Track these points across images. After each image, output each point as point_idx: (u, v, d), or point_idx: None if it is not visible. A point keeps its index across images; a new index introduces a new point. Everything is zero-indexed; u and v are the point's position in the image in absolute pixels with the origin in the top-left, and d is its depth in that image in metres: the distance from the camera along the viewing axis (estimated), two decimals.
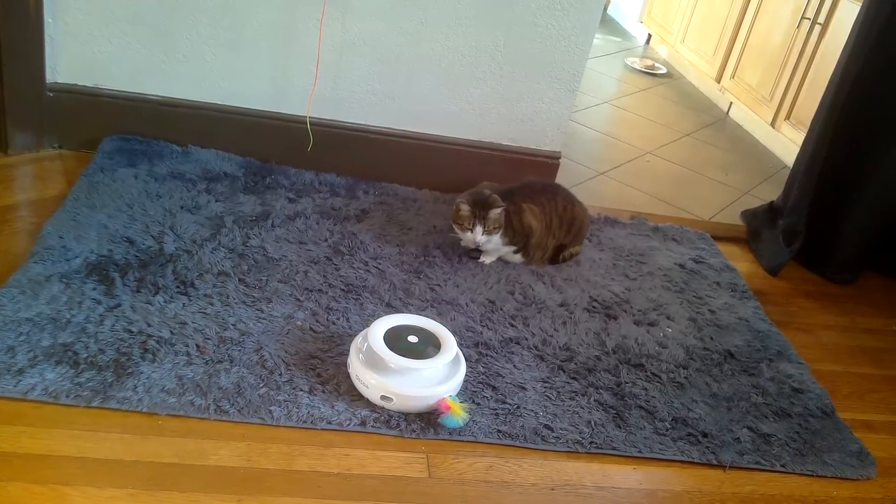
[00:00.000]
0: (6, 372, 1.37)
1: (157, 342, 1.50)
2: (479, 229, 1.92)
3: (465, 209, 1.92)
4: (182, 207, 1.95)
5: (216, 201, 2.01)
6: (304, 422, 1.42)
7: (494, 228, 1.93)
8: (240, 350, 1.54)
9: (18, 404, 1.33)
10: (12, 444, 1.27)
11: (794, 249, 2.34)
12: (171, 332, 1.54)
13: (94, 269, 1.67)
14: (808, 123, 2.43)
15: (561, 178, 2.37)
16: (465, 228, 1.93)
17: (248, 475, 1.31)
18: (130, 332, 1.52)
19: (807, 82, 3.05)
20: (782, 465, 1.56)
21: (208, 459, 1.32)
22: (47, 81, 2.10)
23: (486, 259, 2.02)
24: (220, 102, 2.20)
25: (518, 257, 2.03)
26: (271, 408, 1.43)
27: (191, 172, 2.11)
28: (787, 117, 3.13)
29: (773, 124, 3.21)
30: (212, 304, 1.64)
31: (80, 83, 2.13)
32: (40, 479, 1.22)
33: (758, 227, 2.48)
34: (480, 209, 1.91)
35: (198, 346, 1.52)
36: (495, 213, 1.91)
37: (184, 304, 1.62)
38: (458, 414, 1.46)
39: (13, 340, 1.44)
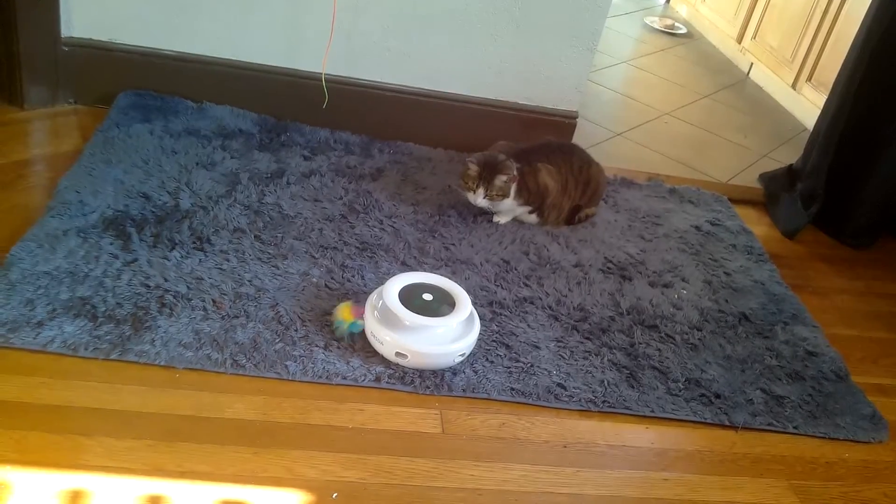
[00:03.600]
0: (25, 324, 1.38)
1: (174, 297, 1.51)
2: (480, 191, 1.90)
3: (473, 169, 1.91)
4: (197, 164, 1.95)
5: (231, 158, 2.01)
6: (320, 377, 1.44)
7: (497, 195, 1.91)
8: (256, 306, 1.55)
9: (37, 356, 1.35)
10: (31, 395, 1.29)
11: (812, 213, 2.32)
12: (188, 287, 1.55)
13: (111, 223, 1.67)
14: (830, 86, 2.39)
15: (577, 139, 2.35)
16: (468, 188, 1.92)
17: (263, 428, 1.32)
18: (147, 286, 1.53)
19: (829, 44, 2.99)
20: (794, 427, 1.57)
21: (224, 413, 1.34)
22: (62, 36, 2.08)
23: (501, 219, 2.01)
24: (234, 59, 2.18)
25: (533, 218, 2.03)
26: (287, 363, 1.44)
27: (206, 129, 2.10)
28: (809, 79, 3.08)
29: (793, 86, 3.16)
30: (228, 261, 1.65)
31: (94, 38, 2.12)
32: (59, 429, 1.24)
33: (775, 191, 2.46)
34: (488, 172, 1.89)
35: (214, 301, 1.53)
36: (501, 179, 1.89)
37: (200, 259, 1.63)
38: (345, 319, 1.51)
39: (32, 294, 1.45)
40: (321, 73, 2.19)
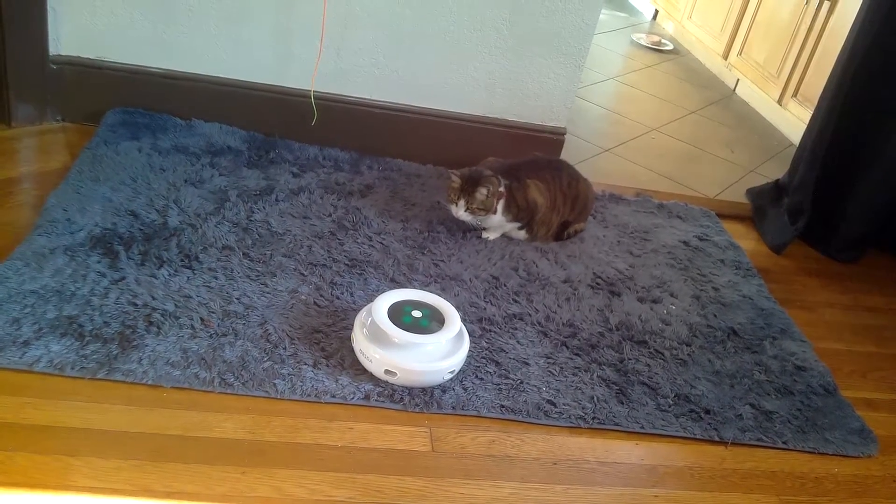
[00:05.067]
0: (11, 344, 1.37)
1: (162, 315, 1.51)
2: (461, 203, 1.91)
3: (455, 182, 1.92)
4: (186, 181, 1.94)
5: (220, 175, 2.01)
6: (308, 395, 1.43)
7: (479, 209, 1.91)
8: (244, 324, 1.54)
9: (23, 376, 1.34)
10: (17, 416, 1.27)
11: (799, 228, 2.33)
12: (176, 306, 1.54)
13: (99, 241, 1.67)
14: (816, 101, 2.41)
15: (566, 155, 2.36)
16: (451, 201, 1.93)
17: (251, 448, 1.32)
18: (135, 304, 1.52)
19: (814, 60, 3.03)
20: (784, 442, 1.57)
21: (212, 432, 1.33)
22: (50, 53, 2.08)
23: (490, 235, 2.02)
24: (223, 76, 2.19)
25: (522, 234, 2.03)
26: (275, 381, 1.43)
27: (194, 146, 2.10)
28: (795, 95, 3.11)
29: (780, 102, 3.19)
30: (216, 278, 1.64)
31: (82, 55, 2.12)
32: (45, 449, 1.23)
33: (763, 205, 2.48)
34: (469, 185, 1.90)
35: (202, 319, 1.52)
36: (482, 193, 1.90)
37: (188, 277, 1.62)
38: None
39: (18, 312, 1.44)
40: (310, 91, 2.19)
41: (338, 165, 2.19)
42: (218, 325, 1.52)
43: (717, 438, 1.55)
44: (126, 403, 1.34)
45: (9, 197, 1.81)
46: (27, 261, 1.57)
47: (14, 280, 1.51)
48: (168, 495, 1.20)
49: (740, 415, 1.60)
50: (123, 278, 1.58)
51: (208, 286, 1.62)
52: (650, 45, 3.97)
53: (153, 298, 1.54)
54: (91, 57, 2.12)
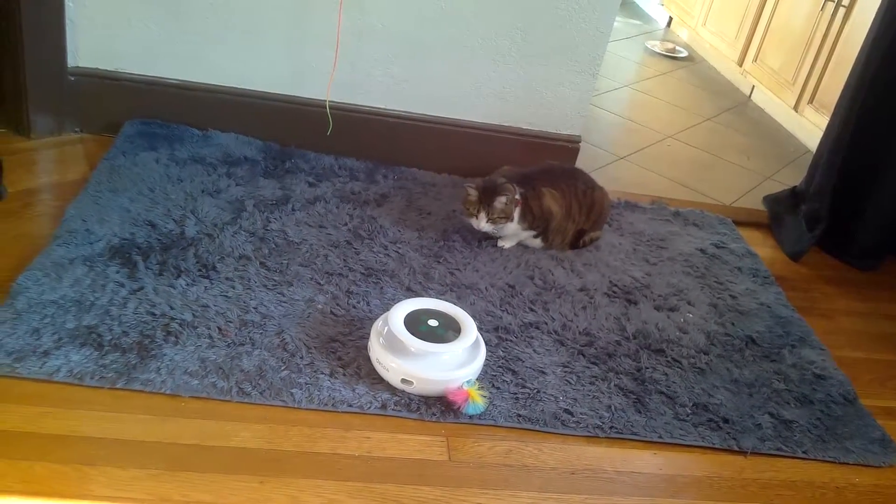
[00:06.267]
0: (31, 353, 1.38)
1: (180, 325, 1.51)
2: (482, 216, 1.91)
3: (472, 194, 1.91)
4: (203, 191, 1.96)
5: (236, 185, 2.02)
6: (325, 404, 1.43)
7: (500, 218, 1.91)
8: (261, 333, 1.55)
9: (43, 385, 1.35)
10: (37, 425, 1.28)
11: (817, 235, 2.32)
12: (194, 315, 1.55)
13: (117, 252, 1.68)
14: (832, 107, 2.40)
15: (581, 163, 2.36)
16: (470, 214, 1.93)
17: (269, 457, 1.32)
18: (153, 314, 1.53)
19: (830, 66, 3.01)
20: (804, 452, 1.56)
21: (230, 441, 1.33)
22: (68, 66, 2.11)
23: (506, 244, 2.01)
24: (239, 86, 2.20)
25: (538, 242, 2.03)
26: (293, 390, 1.44)
27: (211, 156, 2.11)
28: (811, 101, 3.09)
29: (796, 108, 3.17)
30: (233, 288, 1.65)
31: (100, 67, 2.14)
32: (63, 459, 1.24)
33: (780, 213, 2.46)
34: (487, 196, 1.90)
35: (220, 328, 1.53)
36: (501, 201, 1.89)
37: (206, 287, 1.63)
38: (477, 401, 1.46)
39: (38, 322, 1.45)
40: (325, 101, 2.20)
41: (353, 175, 2.20)
42: (235, 335, 1.53)
43: (736, 448, 1.53)
44: (144, 413, 1.34)
45: (28, 208, 1.83)
46: (46, 271, 1.58)
47: (34, 290, 1.53)
48: None
49: (759, 424, 1.59)
50: (142, 288, 1.59)
51: (225, 296, 1.62)
52: (664, 53, 3.96)
53: (171, 308, 1.55)
54: (108, 69, 2.14)
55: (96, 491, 1.19)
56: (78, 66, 2.12)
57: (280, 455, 1.33)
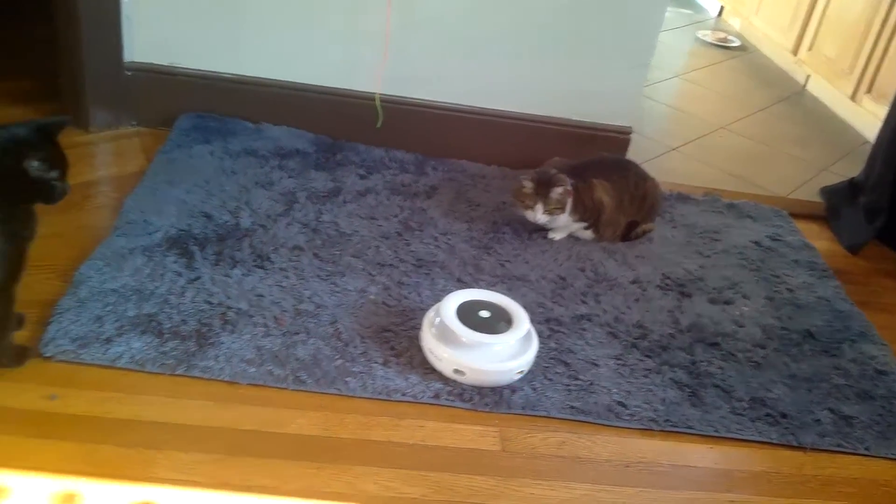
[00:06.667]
0: (95, 340, 1.42)
1: (237, 314, 1.54)
2: (539, 207, 1.90)
3: (527, 186, 1.90)
4: (256, 183, 1.98)
5: (289, 177, 2.04)
6: (379, 393, 1.44)
7: (556, 208, 1.90)
8: (315, 322, 1.56)
9: (106, 371, 1.38)
10: (101, 409, 1.32)
11: (876, 227, 2.26)
12: (250, 304, 1.57)
13: (175, 242, 1.71)
14: (891, 97, 2.33)
15: (632, 154, 2.33)
16: (526, 206, 1.92)
17: (325, 444, 1.33)
18: (210, 303, 1.56)
19: (889, 54, 2.92)
20: (865, 448, 1.52)
21: (287, 428, 1.35)
22: (125, 61, 2.15)
23: (556, 235, 2.00)
24: (291, 80, 2.22)
25: (589, 234, 2.01)
26: (347, 379, 1.45)
27: (263, 149, 2.14)
28: (868, 90, 3.01)
29: (853, 98, 3.09)
30: (287, 278, 1.67)
31: (155, 62, 2.18)
32: (128, 442, 1.27)
33: (837, 205, 2.40)
34: (542, 188, 1.89)
35: (275, 317, 1.55)
36: (557, 192, 1.88)
37: (261, 277, 1.66)
38: None
39: (100, 310, 1.49)
40: (375, 94, 2.21)
41: (403, 167, 2.21)
42: (290, 324, 1.55)
43: (794, 443, 1.50)
44: (204, 399, 1.37)
45: (88, 200, 1.88)
46: (107, 261, 1.62)
47: (96, 279, 1.56)
48: (246, 489, 1.22)
49: (818, 419, 1.56)
50: (199, 278, 1.62)
51: (280, 285, 1.64)
52: (716, 42, 3.89)
53: (228, 297, 1.58)
54: (164, 63, 2.18)
55: (161, 474, 1.22)
56: (134, 61, 2.16)
57: (336, 442, 1.34)
